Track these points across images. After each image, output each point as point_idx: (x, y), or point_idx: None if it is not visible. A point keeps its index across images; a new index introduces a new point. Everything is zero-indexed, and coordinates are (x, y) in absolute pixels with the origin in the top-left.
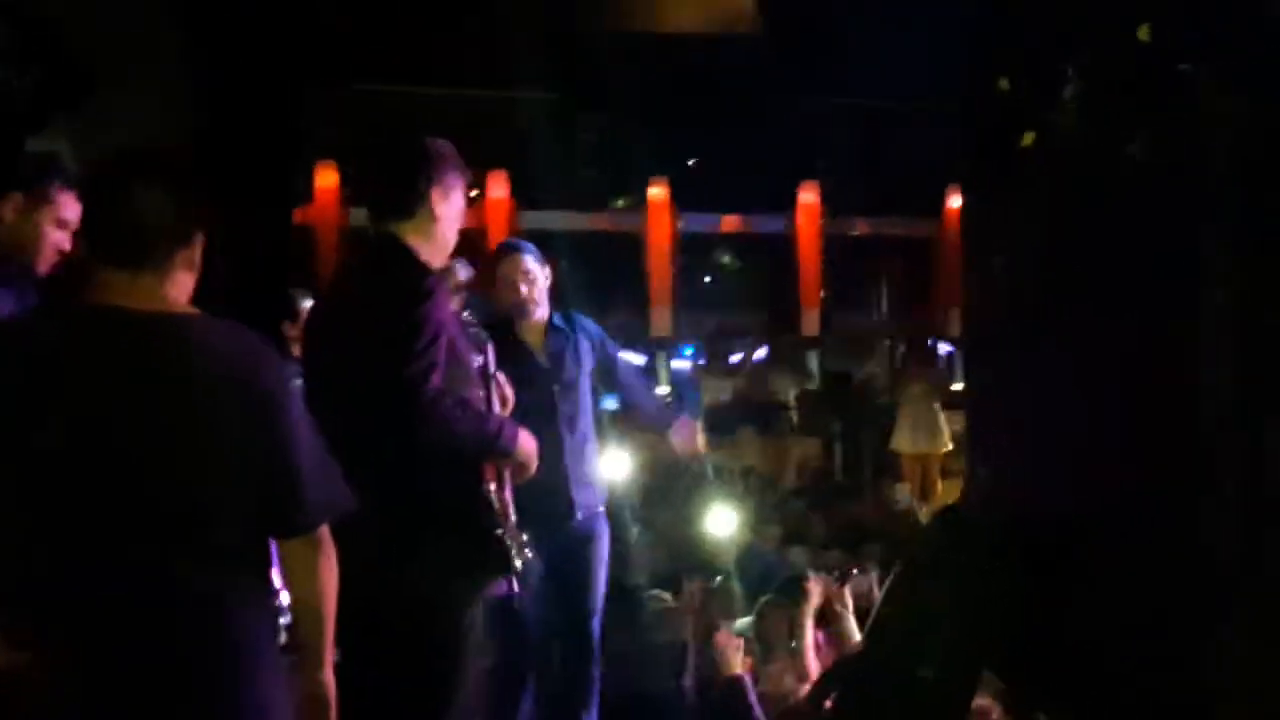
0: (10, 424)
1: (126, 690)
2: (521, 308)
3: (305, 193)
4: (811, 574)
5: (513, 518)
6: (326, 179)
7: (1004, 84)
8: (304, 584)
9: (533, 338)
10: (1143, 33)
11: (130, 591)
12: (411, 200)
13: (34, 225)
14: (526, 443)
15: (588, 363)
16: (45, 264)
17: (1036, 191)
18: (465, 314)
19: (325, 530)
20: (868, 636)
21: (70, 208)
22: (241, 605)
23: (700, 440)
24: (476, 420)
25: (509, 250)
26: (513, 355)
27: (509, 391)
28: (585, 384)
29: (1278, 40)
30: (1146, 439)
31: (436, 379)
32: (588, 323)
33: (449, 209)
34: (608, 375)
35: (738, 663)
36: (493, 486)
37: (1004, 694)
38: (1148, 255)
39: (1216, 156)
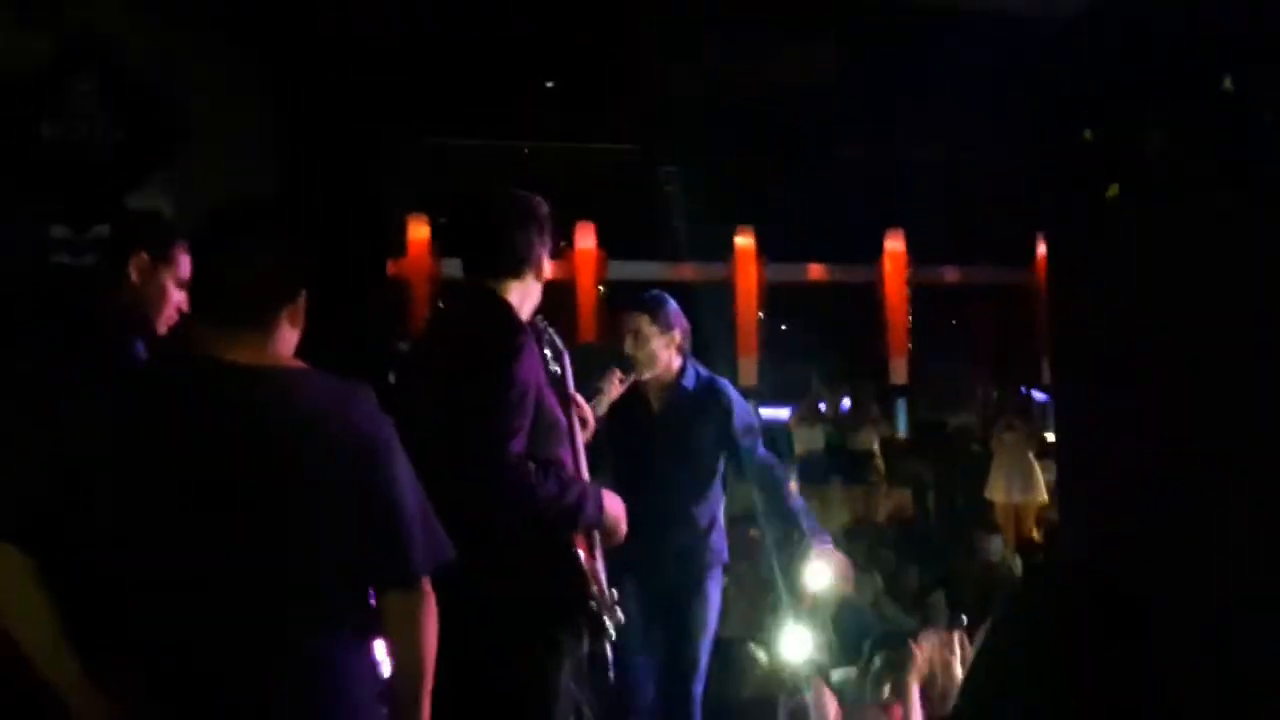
0: (120, 476)
1: None
2: (631, 364)
3: (398, 245)
4: (922, 634)
5: (604, 582)
6: (418, 231)
7: (1089, 135)
8: (405, 635)
9: (653, 394)
10: (1226, 83)
11: (233, 640)
12: (519, 261)
13: (159, 286)
14: (613, 508)
15: (709, 433)
16: (165, 324)
17: (1123, 241)
18: (538, 320)
19: (427, 582)
20: (960, 696)
21: (189, 267)
22: (345, 654)
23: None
24: (558, 486)
25: (628, 305)
26: (627, 407)
27: (588, 412)
28: (701, 451)
29: None
30: (1235, 493)
31: (519, 443)
32: (728, 397)
33: (548, 267)
34: (734, 461)
35: (831, 715)
36: (582, 553)
37: None
38: (1236, 306)
39: None
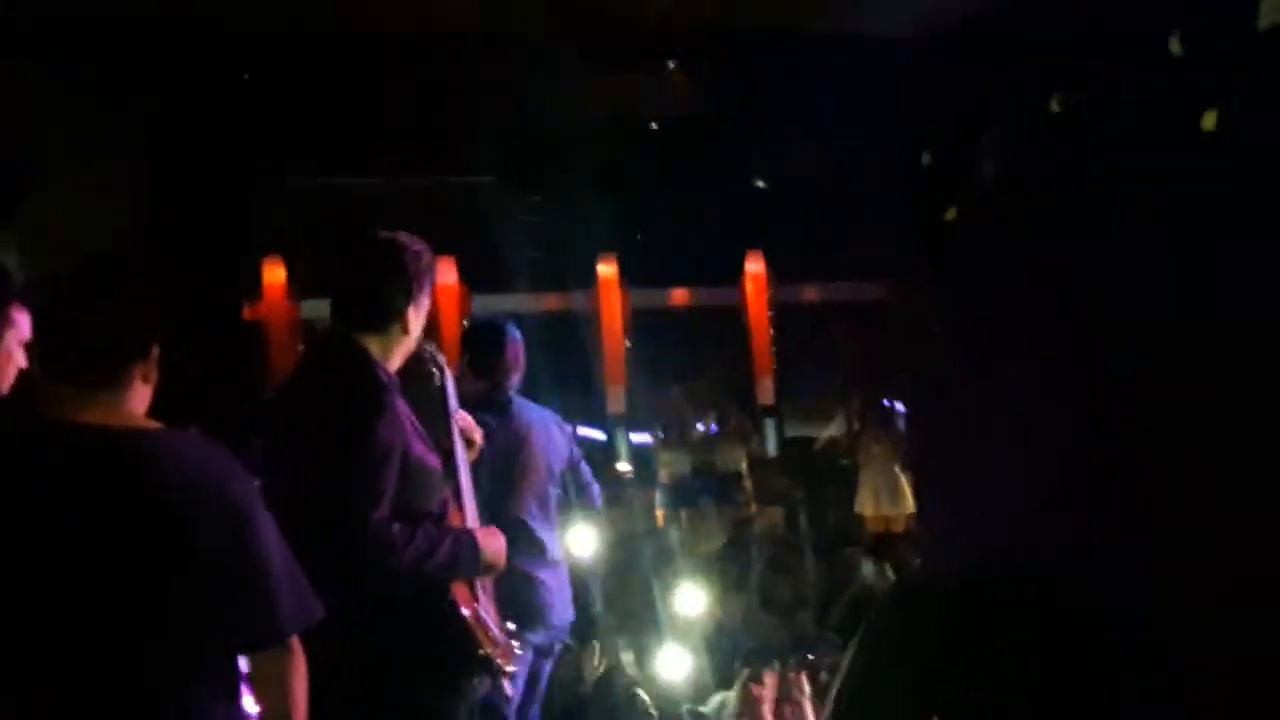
0: None
1: None
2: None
3: (254, 289)
4: (766, 673)
5: (493, 626)
6: (274, 274)
7: (926, 159)
8: (275, 694)
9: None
10: (1055, 103)
11: (94, 707)
12: (385, 316)
13: (4, 351)
14: (489, 545)
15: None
16: (6, 384)
17: (962, 264)
18: (427, 344)
19: (295, 640)
20: (832, 711)
21: (28, 327)
22: (214, 716)
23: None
24: (428, 544)
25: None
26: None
27: (475, 430)
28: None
29: (1186, 102)
30: (1081, 501)
31: (382, 508)
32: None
33: (419, 319)
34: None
35: None
36: (466, 611)
37: None
38: (1073, 323)
39: (1133, 224)
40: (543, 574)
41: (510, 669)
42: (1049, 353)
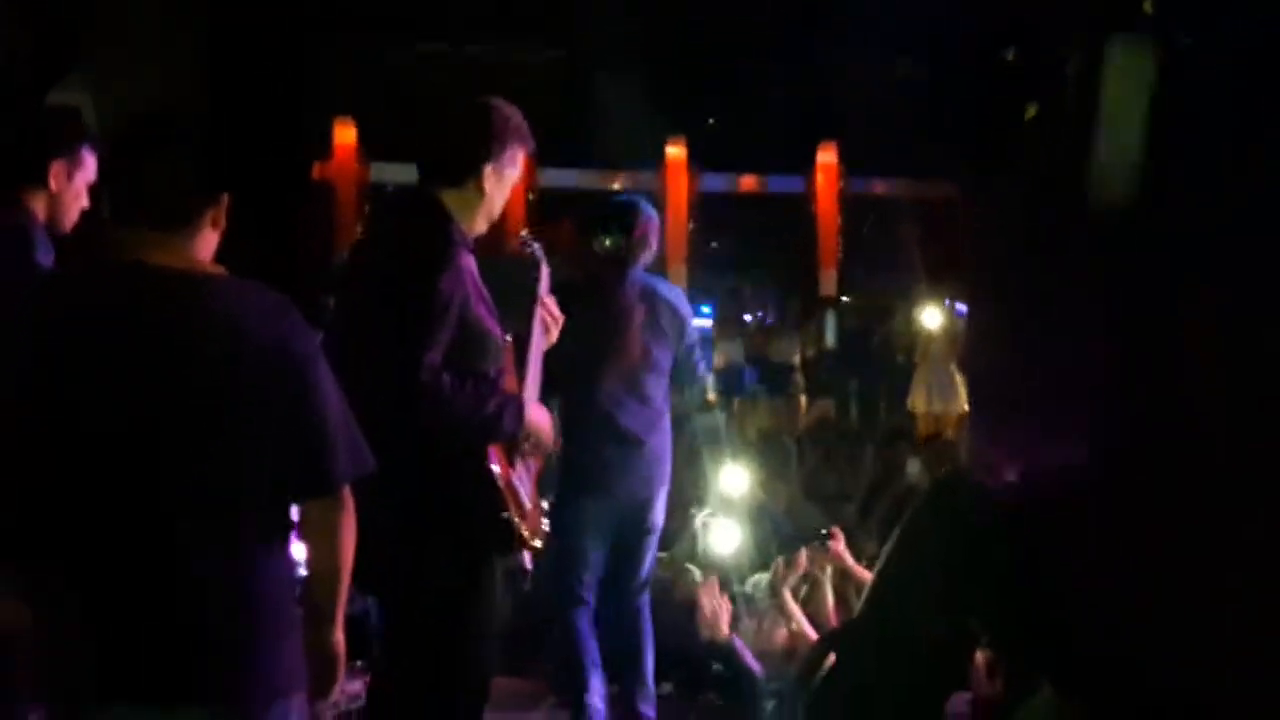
0: (46, 378)
1: (143, 648)
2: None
3: (324, 149)
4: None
5: (525, 496)
6: (345, 135)
7: (1010, 54)
8: (324, 543)
9: None
10: (1146, 5)
11: (151, 547)
12: (462, 171)
13: (74, 191)
14: (537, 418)
15: None
16: (70, 223)
17: (1035, 166)
18: (523, 233)
19: (347, 491)
20: (867, 598)
21: (95, 169)
22: (264, 561)
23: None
24: (475, 399)
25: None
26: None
27: (557, 313)
28: None
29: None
30: (1131, 416)
31: (436, 354)
32: None
33: (501, 183)
34: None
35: (724, 625)
36: (497, 468)
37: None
38: (1144, 238)
39: (1224, 143)
40: (608, 450)
41: (535, 543)
42: (1113, 270)
